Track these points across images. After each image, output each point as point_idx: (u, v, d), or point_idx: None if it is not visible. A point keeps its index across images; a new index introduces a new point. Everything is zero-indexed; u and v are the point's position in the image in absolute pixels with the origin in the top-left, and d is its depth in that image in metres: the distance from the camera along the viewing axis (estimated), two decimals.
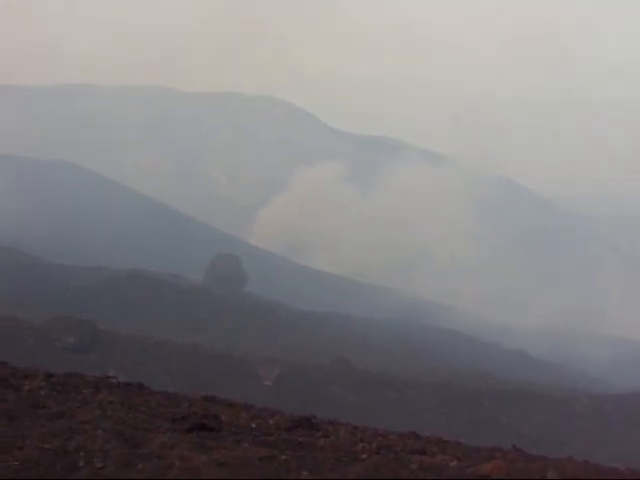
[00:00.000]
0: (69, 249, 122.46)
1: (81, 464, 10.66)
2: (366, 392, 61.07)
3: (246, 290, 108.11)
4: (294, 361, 65.82)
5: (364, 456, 12.81)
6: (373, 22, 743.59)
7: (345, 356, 69.13)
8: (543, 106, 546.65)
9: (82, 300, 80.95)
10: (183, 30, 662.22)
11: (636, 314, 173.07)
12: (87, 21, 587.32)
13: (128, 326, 70.88)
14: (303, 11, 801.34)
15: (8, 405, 13.55)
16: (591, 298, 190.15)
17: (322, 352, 73.73)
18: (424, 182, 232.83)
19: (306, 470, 11.35)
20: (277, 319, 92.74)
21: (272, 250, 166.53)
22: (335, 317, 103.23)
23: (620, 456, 44.74)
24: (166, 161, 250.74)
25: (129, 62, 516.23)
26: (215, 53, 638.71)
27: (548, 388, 71.59)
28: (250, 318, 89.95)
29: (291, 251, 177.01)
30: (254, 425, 14.99)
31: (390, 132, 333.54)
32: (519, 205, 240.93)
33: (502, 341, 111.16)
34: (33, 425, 12.40)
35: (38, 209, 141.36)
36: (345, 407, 56.48)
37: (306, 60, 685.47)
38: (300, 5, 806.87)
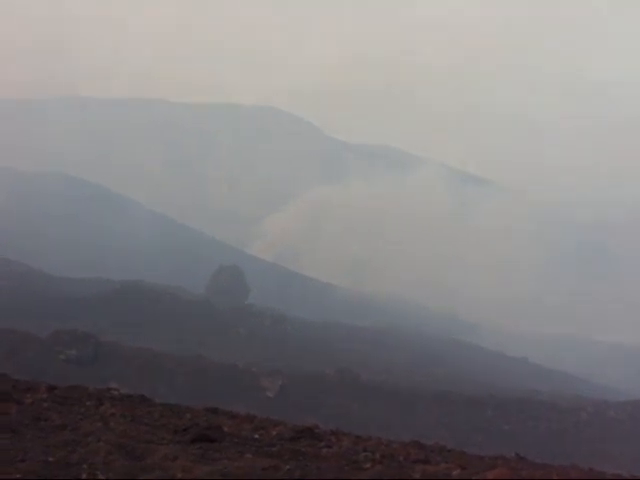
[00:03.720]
0: (71, 261, 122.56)
1: (84, 476, 10.63)
2: (369, 401, 60.93)
3: (248, 301, 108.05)
4: (297, 371, 65.74)
5: (367, 465, 12.78)
6: (371, 28, 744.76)
7: (348, 366, 69.06)
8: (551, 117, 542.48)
9: (84, 312, 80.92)
10: (180, 40, 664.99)
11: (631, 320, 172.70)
12: (86, 32, 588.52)
13: (130, 338, 70.82)
14: (302, 21, 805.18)
15: (11, 418, 13.53)
16: (596, 306, 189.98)
17: (324, 362, 73.64)
18: (422, 190, 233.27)
19: None
20: (279, 330, 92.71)
21: (274, 261, 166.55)
22: (337, 327, 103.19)
23: (625, 463, 44.64)
24: (167, 172, 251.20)
25: (128, 74, 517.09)
26: (214, 64, 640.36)
27: (552, 396, 71.41)
28: (253, 329, 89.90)
29: (293, 262, 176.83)
30: (257, 436, 14.96)
31: (391, 141, 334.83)
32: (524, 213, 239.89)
33: (506, 349, 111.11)
34: (36, 438, 12.38)
35: (39, 222, 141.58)
36: (348, 417, 56.38)
37: (305, 69, 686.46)
38: (299, 16, 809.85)
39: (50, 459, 11.17)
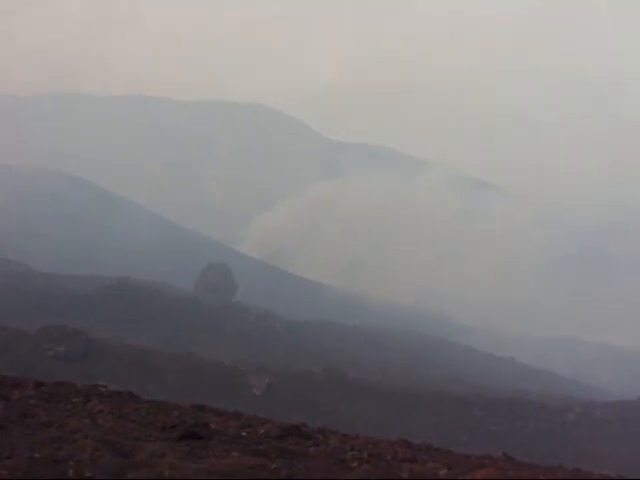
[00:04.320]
0: (68, 260, 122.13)
1: (70, 473, 10.60)
2: (356, 400, 60.96)
3: (238, 299, 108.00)
4: (284, 370, 65.72)
5: (355, 464, 12.79)
6: (370, 32, 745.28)
7: (336, 365, 69.05)
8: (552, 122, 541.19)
9: (73, 309, 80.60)
10: (173, 38, 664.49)
11: (630, 322, 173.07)
12: (86, 32, 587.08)
13: (118, 335, 70.60)
14: (302, 21, 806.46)
15: None
16: (595, 308, 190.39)
17: (313, 361, 73.64)
18: (423, 192, 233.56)
19: (297, 478, 11.32)
20: (268, 328, 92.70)
21: (264, 259, 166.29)
22: (326, 326, 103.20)
23: (613, 464, 44.77)
24: (166, 171, 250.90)
25: (121, 71, 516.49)
26: (206, 61, 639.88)
27: (540, 396, 71.55)
28: (240, 327, 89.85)
29: (288, 260, 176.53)
30: (244, 434, 14.94)
31: (390, 142, 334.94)
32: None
33: (494, 350, 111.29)
34: (22, 434, 12.34)
35: (37, 221, 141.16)
36: (335, 415, 56.40)
37: (304, 70, 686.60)
38: (296, 19, 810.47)
39: (36, 456, 11.13)
